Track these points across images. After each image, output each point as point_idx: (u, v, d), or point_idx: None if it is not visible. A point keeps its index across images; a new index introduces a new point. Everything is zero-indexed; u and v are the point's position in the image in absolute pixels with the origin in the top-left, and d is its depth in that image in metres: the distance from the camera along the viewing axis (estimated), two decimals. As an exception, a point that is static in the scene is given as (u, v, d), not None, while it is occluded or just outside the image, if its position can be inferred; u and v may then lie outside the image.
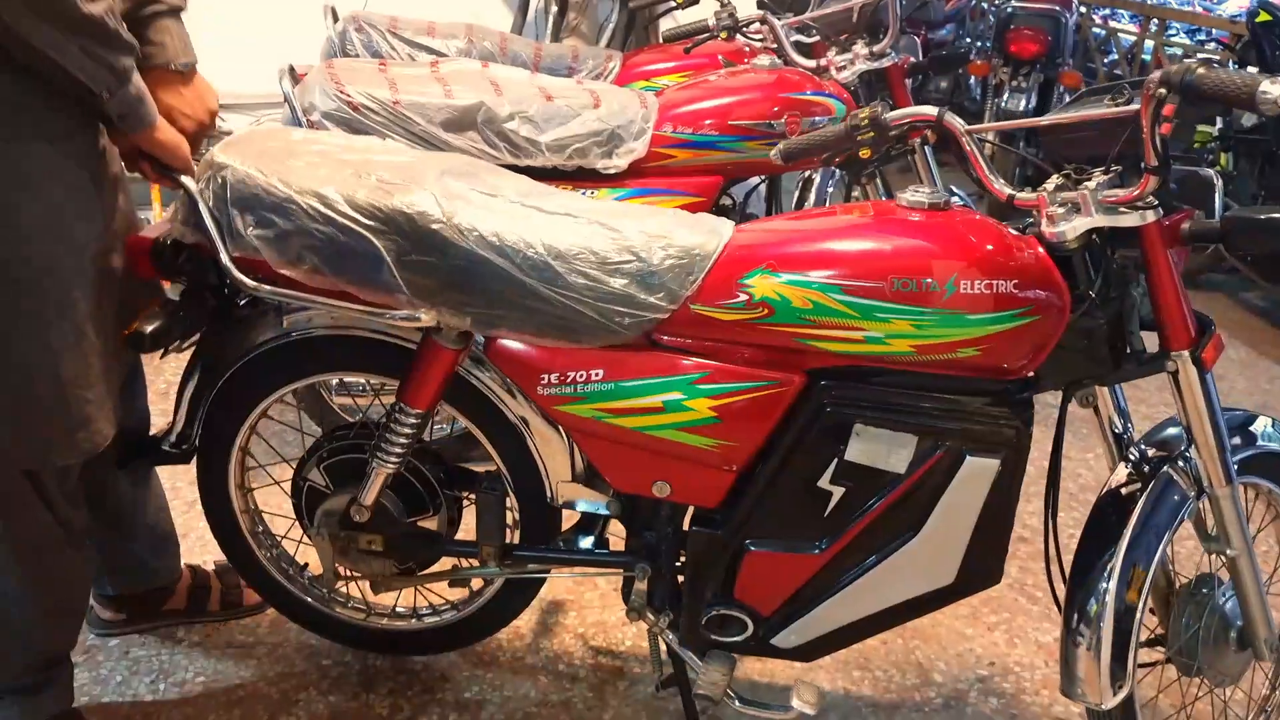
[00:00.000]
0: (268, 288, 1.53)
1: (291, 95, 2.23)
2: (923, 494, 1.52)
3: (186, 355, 1.73)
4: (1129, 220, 1.41)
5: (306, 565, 1.96)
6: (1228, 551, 1.57)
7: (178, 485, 2.53)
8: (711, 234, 1.50)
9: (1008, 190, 1.53)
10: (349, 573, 1.82)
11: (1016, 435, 1.48)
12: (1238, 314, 4.20)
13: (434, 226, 1.45)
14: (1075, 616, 1.57)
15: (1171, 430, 1.64)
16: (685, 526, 1.67)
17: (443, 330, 1.54)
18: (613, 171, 2.29)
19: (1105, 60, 5.54)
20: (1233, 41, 4.43)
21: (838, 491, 1.54)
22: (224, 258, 1.50)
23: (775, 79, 2.43)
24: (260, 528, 1.91)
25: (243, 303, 1.71)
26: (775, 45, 2.73)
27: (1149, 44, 5.26)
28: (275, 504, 1.99)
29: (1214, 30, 5.37)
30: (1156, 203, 1.40)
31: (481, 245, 1.45)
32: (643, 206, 1.58)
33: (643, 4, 3.33)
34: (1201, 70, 1.20)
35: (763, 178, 2.93)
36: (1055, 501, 1.62)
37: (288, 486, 1.84)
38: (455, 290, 1.47)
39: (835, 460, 1.52)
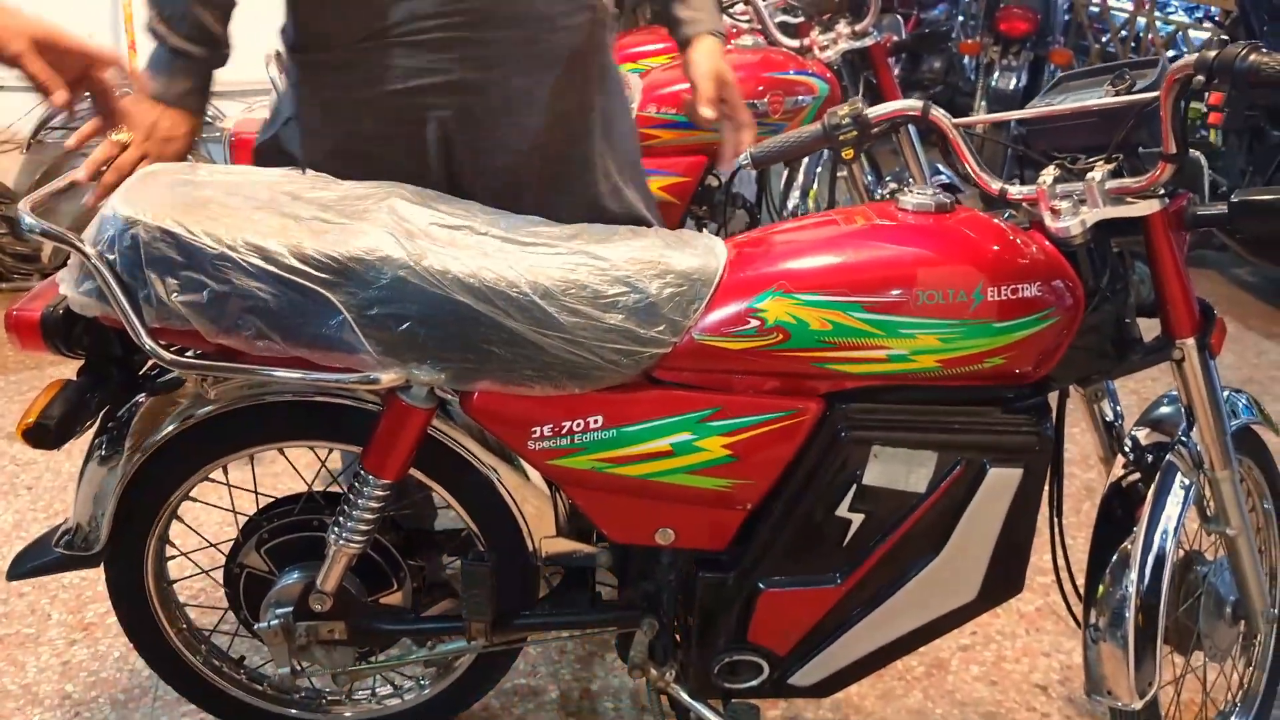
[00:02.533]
0: (200, 362, 1.30)
1: (278, 82, 2.19)
2: (944, 512, 1.43)
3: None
4: (1138, 210, 1.36)
5: (243, 659, 1.71)
6: (1227, 531, 1.56)
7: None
8: (707, 254, 1.36)
9: (998, 184, 1.46)
10: (305, 668, 1.60)
11: (1038, 441, 1.41)
12: (1227, 289, 4.31)
13: (400, 273, 1.26)
14: (1097, 614, 1.52)
15: (1164, 411, 1.62)
16: (686, 569, 1.54)
17: (412, 389, 1.35)
18: None
19: (1103, 38, 5.59)
20: (1222, 18, 4.52)
21: (856, 519, 1.44)
22: (141, 333, 1.26)
23: (759, 59, 2.44)
24: (185, 625, 1.65)
25: (154, 371, 1.46)
26: (759, 25, 2.75)
27: (1143, 20, 5.26)
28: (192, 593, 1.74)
29: (1212, 8, 5.46)
30: (1163, 190, 1.36)
31: (458, 289, 1.27)
32: (621, 228, 1.43)
33: None
34: (1256, 56, 1.14)
35: None
36: (1060, 502, 1.57)
37: (217, 574, 1.61)
38: (430, 344, 1.28)
39: (853, 486, 1.41)
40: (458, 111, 1.45)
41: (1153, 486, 1.52)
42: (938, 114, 1.45)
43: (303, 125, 1.51)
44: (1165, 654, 1.65)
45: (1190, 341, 1.43)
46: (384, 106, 1.45)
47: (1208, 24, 5.21)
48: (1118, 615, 1.50)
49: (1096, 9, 5.66)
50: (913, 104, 1.47)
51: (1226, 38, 4.29)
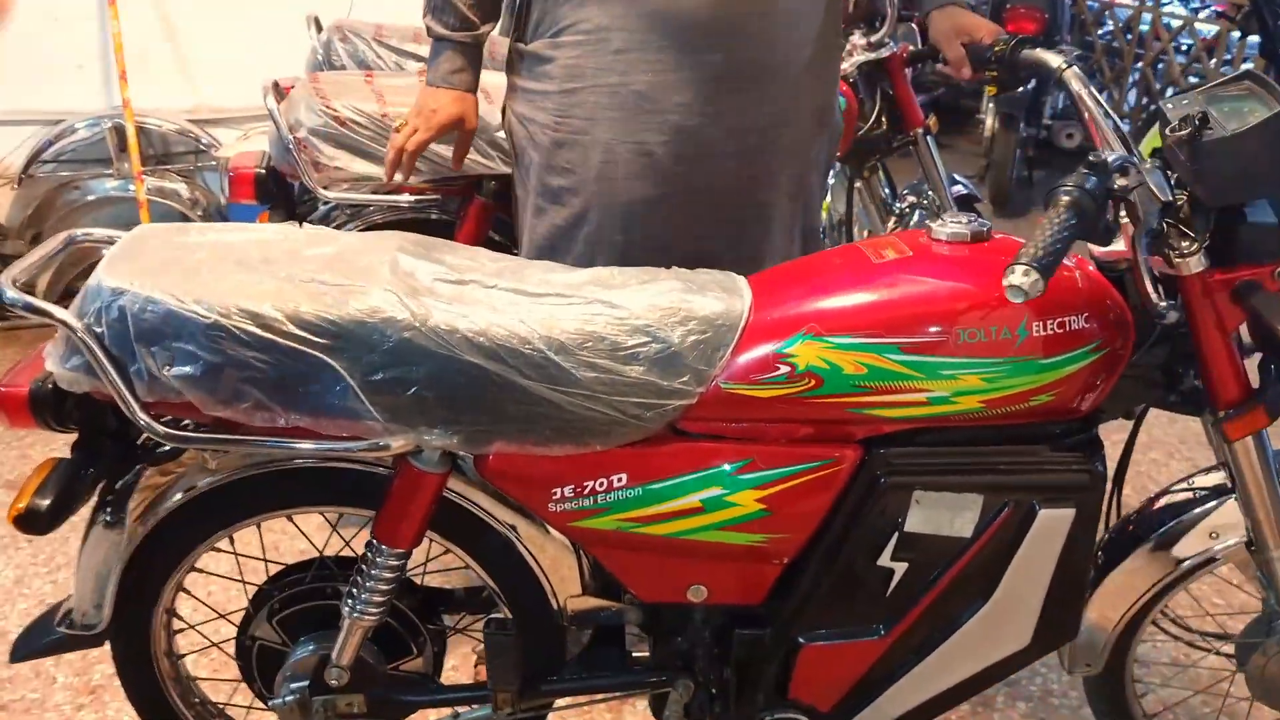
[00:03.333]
0: (198, 436, 1.23)
1: (276, 112, 2.16)
2: (992, 556, 1.35)
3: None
4: (1161, 264, 1.26)
5: (260, 730, 1.64)
6: (1277, 607, 1.45)
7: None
8: (731, 296, 1.28)
9: None
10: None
11: (1090, 479, 1.32)
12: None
13: (405, 334, 1.18)
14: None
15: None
16: (721, 626, 1.45)
17: (424, 454, 1.27)
18: None
19: (1101, 33, 5.51)
20: (1232, 11, 4.43)
21: (900, 568, 1.35)
22: (134, 408, 1.19)
23: None
24: (199, 699, 1.58)
25: (152, 442, 1.38)
26: None
27: (1148, 15, 5.20)
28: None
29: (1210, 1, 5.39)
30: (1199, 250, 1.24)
31: (467, 349, 1.19)
32: (636, 271, 1.34)
33: None
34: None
35: None
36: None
37: (229, 645, 1.53)
38: (440, 407, 1.21)
39: (895, 534, 1.33)
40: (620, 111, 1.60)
41: (1197, 509, 1.44)
42: (1072, 75, 1.40)
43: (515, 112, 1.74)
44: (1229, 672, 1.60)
45: (1223, 415, 1.31)
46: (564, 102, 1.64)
47: (1204, 14, 5.12)
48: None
49: (1094, 4, 5.57)
50: (1053, 59, 1.45)
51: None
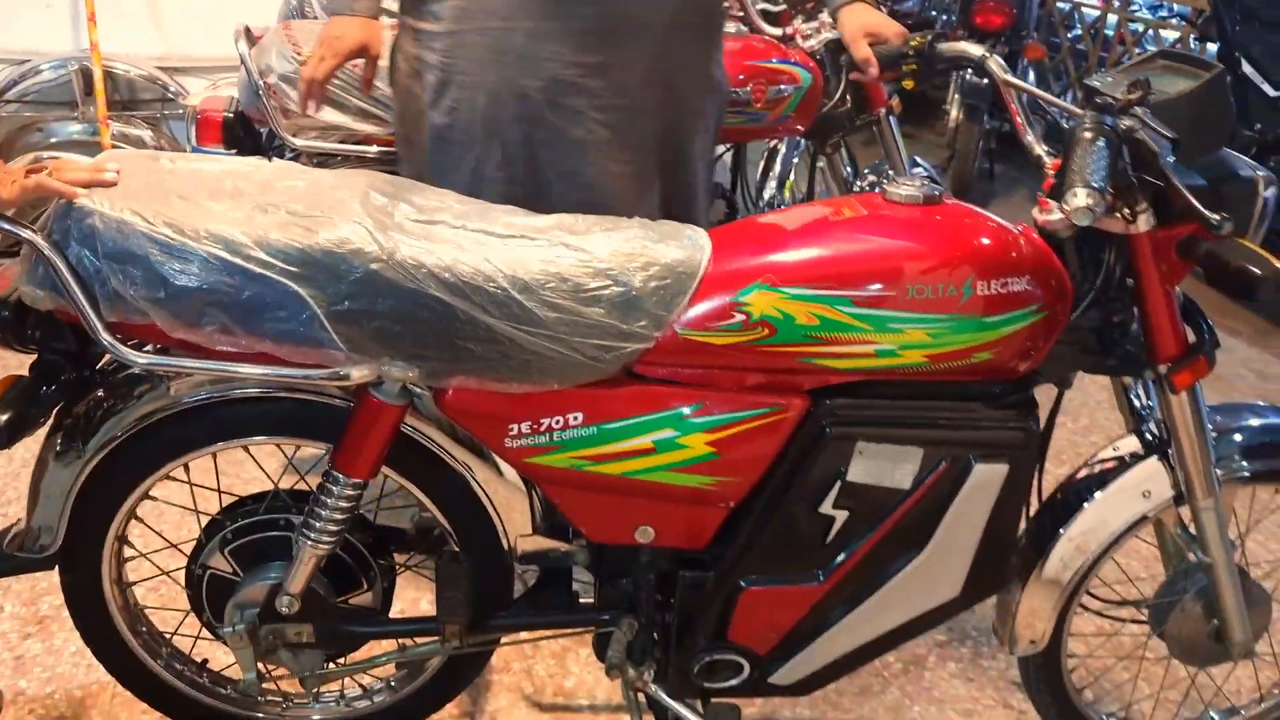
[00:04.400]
0: (162, 359, 1.25)
1: (247, 57, 2.16)
2: (928, 508, 1.41)
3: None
4: (1115, 225, 1.32)
5: (206, 662, 1.66)
6: (1204, 559, 1.52)
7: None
8: (692, 246, 1.32)
9: (1040, 149, 1.44)
10: (270, 672, 1.54)
11: (1024, 436, 1.39)
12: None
13: (372, 266, 1.21)
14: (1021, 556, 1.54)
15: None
16: (665, 568, 1.50)
17: (384, 385, 1.30)
18: None
19: (1069, 34, 5.60)
20: (1194, 17, 4.52)
21: (840, 516, 1.41)
22: (98, 328, 1.20)
23: (741, 47, 2.39)
24: (146, 628, 1.59)
25: (111, 365, 1.40)
26: (741, 13, 2.73)
27: (1114, 18, 5.31)
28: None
29: (1175, 5, 5.47)
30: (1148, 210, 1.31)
31: (432, 284, 1.22)
32: (601, 218, 1.38)
33: None
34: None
35: (728, 146, 2.98)
36: (1039, 499, 1.54)
37: (179, 575, 1.55)
38: (403, 340, 1.23)
39: (838, 483, 1.38)
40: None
41: (1125, 474, 1.50)
42: (994, 64, 1.45)
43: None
44: (1145, 636, 1.67)
45: (1164, 369, 1.39)
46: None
47: (1173, 20, 5.24)
48: (1033, 568, 1.53)
49: (1065, 5, 5.68)
50: (973, 50, 1.50)
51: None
